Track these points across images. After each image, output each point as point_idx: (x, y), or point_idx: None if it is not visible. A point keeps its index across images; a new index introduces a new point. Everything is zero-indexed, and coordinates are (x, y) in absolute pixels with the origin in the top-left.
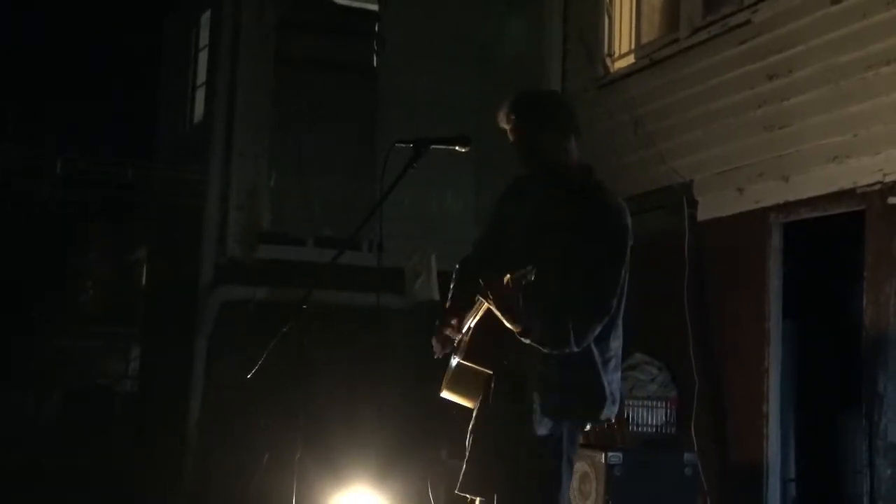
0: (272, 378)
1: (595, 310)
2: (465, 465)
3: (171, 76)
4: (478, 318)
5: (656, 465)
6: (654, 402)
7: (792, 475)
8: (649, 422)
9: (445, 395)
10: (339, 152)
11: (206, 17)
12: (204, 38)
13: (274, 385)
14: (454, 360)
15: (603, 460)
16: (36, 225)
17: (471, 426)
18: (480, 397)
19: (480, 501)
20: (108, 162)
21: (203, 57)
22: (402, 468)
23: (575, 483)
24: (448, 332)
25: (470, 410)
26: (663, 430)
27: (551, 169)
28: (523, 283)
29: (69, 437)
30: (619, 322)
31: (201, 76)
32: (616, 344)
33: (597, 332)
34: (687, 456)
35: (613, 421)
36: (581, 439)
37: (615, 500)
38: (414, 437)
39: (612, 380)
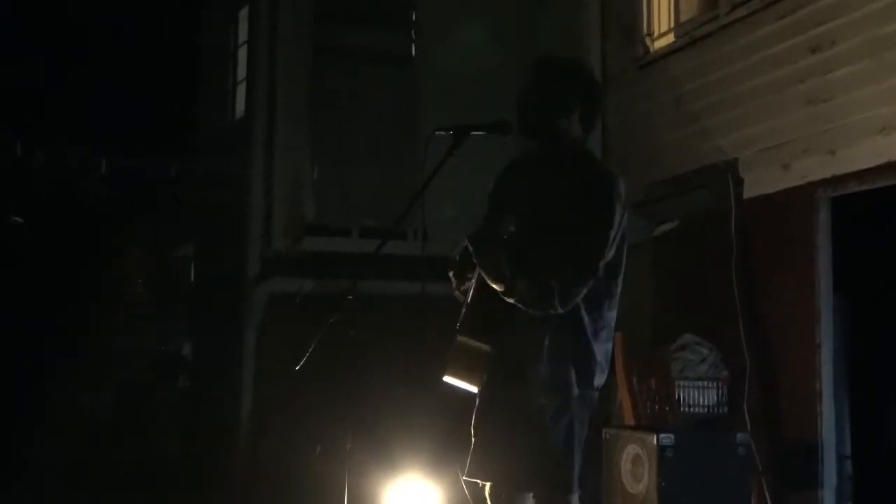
0: (321, 369)
1: (578, 271)
2: (471, 450)
3: (212, 72)
4: (472, 291)
5: (709, 446)
6: (706, 383)
7: (847, 452)
8: (701, 402)
9: (448, 379)
10: (380, 142)
11: (244, 12)
12: (243, 33)
13: (323, 376)
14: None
15: (655, 442)
16: (83, 223)
17: (475, 410)
18: (483, 379)
19: (491, 486)
20: (151, 159)
21: (243, 52)
22: (455, 456)
23: (627, 465)
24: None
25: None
26: (715, 411)
27: (550, 137)
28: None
29: (122, 431)
30: (616, 293)
31: (241, 72)
32: (610, 315)
33: (581, 293)
34: (740, 436)
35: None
36: (588, 415)
37: (668, 481)
38: (464, 425)
39: (604, 349)
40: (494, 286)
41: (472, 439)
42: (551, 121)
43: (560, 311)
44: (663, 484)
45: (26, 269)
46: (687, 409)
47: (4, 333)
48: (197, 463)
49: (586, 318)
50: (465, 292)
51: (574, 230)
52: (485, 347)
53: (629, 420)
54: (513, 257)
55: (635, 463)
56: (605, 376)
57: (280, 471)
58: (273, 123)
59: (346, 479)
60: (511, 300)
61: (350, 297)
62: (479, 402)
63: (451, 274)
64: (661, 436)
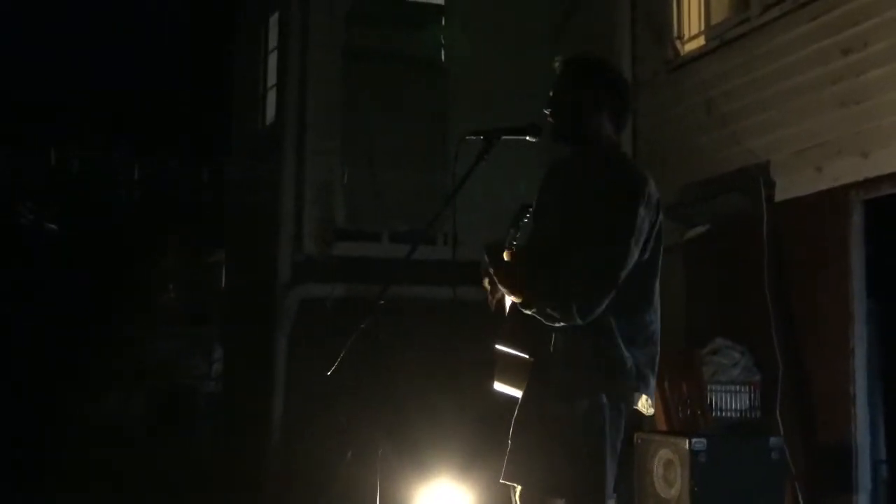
0: (353, 374)
1: (599, 282)
2: (507, 455)
3: (243, 78)
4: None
5: (742, 451)
6: (738, 387)
7: (882, 456)
8: (733, 407)
9: (498, 386)
10: (411, 146)
11: (274, 18)
12: (273, 39)
13: (355, 381)
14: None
15: (687, 447)
16: (117, 228)
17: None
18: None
19: (521, 490)
20: (183, 165)
21: (273, 59)
22: (485, 461)
23: (660, 470)
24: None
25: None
26: (748, 415)
27: (582, 140)
28: (512, 244)
29: (155, 436)
30: (654, 297)
31: (272, 78)
32: (651, 318)
33: (603, 304)
34: (773, 440)
35: (651, 405)
36: (623, 423)
37: (701, 486)
38: (495, 429)
39: (641, 356)
40: (512, 298)
41: (509, 443)
42: (580, 122)
43: (580, 322)
44: (696, 489)
45: (59, 275)
46: (719, 414)
47: (38, 338)
48: (229, 466)
49: (615, 323)
50: (501, 300)
51: (595, 239)
52: (526, 358)
53: (661, 424)
54: (531, 269)
55: (668, 467)
56: (652, 382)
57: (312, 475)
58: (304, 128)
59: (377, 483)
60: (529, 312)
61: (381, 301)
62: (517, 408)
63: (486, 281)
64: (694, 440)
